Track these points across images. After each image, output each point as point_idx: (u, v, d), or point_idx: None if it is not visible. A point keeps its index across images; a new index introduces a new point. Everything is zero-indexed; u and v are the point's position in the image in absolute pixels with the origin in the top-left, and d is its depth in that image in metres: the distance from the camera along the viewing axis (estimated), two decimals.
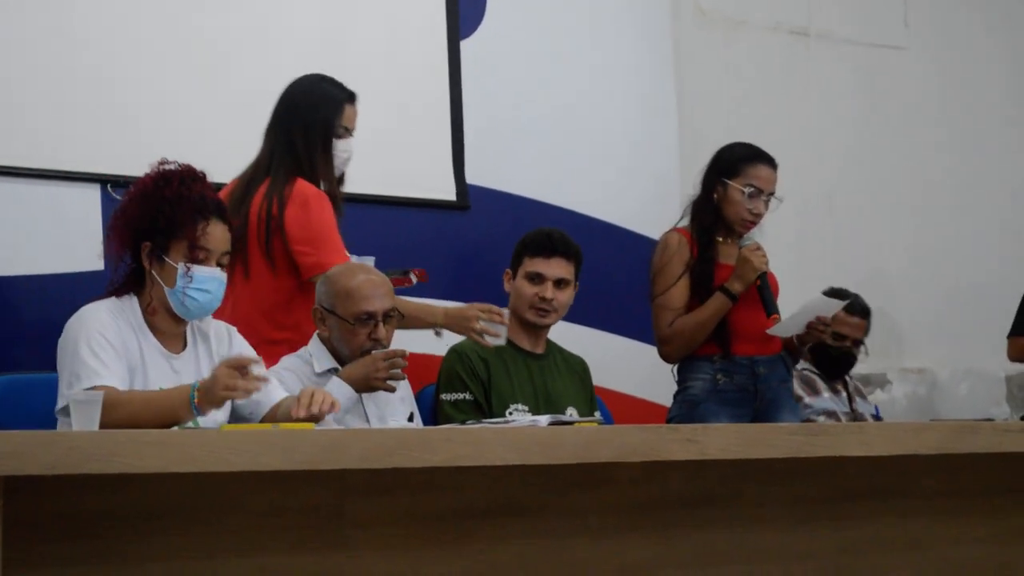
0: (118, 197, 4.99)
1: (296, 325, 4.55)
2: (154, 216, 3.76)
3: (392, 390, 4.34)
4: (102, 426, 3.39)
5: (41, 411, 3.89)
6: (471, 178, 5.84)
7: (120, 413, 3.45)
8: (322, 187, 4.57)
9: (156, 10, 5.23)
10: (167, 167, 3.84)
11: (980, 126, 7.75)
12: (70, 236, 5.00)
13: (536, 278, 4.87)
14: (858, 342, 6.07)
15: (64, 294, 4.84)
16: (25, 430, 2.40)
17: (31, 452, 2.30)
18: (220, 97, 5.33)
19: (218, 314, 3.97)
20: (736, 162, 5.16)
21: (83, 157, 5.04)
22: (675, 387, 5.24)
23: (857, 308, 6.04)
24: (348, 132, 4.64)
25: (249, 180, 4.57)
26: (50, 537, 2.48)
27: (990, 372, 7.51)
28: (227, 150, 5.11)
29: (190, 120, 5.24)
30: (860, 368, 6.58)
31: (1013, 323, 6.31)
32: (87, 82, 5.07)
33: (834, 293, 5.94)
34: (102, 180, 5.06)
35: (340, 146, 4.63)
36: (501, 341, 4.53)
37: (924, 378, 7.40)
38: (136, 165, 4.98)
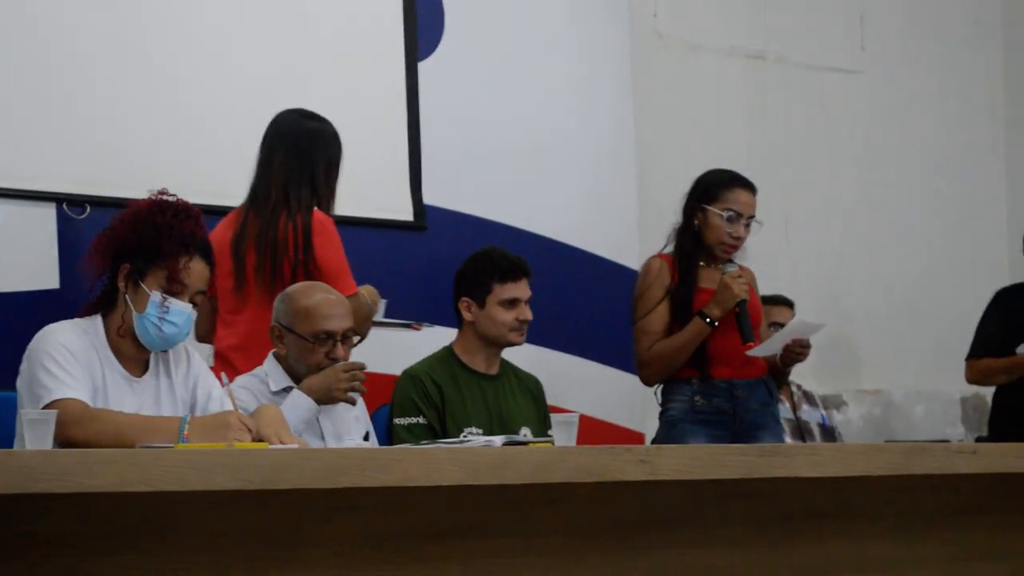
0: (74, 216, 4.99)
1: None
2: (140, 239, 3.77)
3: (353, 402, 4.37)
4: (81, 437, 3.43)
5: None
6: (428, 199, 5.83)
7: (97, 428, 3.50)
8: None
9: (112, 29, 5.21)
10: (166, 197, 3.86)
11: (936, 150, 7.80)
12: (26, 255, 4.98)
13: (513, 303, 4.88)
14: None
15: (19, 313, 4.83)
16: None
17: None
18: (178, 117, 5.31)
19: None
20: (714, 187, 5.21)
21: (40, 176, 5.02)
22: (636, 409, 5.26)
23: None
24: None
25: (274, 208, 4.74)
26: (1, 558, 2.47)
27: (946, 393, 7.54)
28: (185, 167, 5.12)
29: (149, 139, 5.22)
30: (816, 388, 6.61)
31: (971, 346, 6.33)
32: (44, 100, 5.05)
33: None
34: (59, 199, 5.04)
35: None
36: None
37: (880, 399, 7.43)
38: (94, 184, 5.04)
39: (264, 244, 4.68)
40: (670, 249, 5.29)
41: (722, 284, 5.10)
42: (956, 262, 7.74)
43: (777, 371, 5.37)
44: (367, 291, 4.88)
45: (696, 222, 5.22)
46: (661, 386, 5.30)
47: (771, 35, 7.29)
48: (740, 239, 5.20)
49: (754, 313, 5.19)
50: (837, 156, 7.48)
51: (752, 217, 5.21)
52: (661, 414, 5.28)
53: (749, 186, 5.23)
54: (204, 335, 4.86)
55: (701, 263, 5.22)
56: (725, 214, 5.16)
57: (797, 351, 5.24)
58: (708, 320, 5.09)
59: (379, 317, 5.01)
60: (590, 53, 6.45)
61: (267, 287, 4.64)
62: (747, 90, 7.22)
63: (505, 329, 4.88)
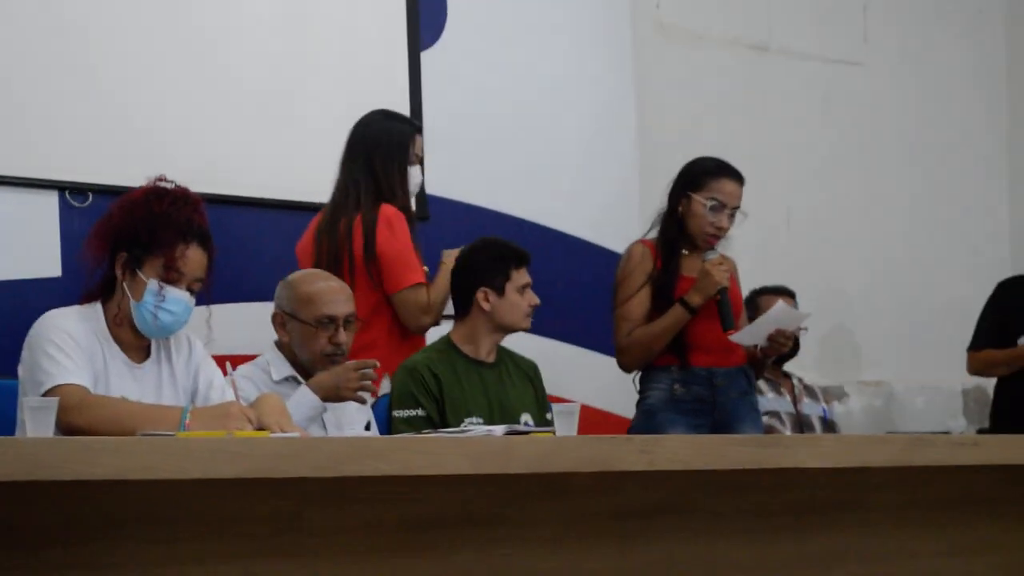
0: (76, 204, 4.99)
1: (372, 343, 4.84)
2: (137, 228, 3.77)
3: (363, 401, 4.37)
4: (82, 424, 3.43)
5: None
6: (431, 188, 5.83)
7: (98, 414, 3.51)
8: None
9: (116, 19, 5.21)
10: (163, 184, 3.85)
11: (938, 142, 7.80)
12: (28, 243, 4.98)
13: (526, 288, 4.86)
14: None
15: (21, 301, 4.83)
16: None
17: None
18: (181, 105, 5.31)
19: None
20: (701, 175, 5.18)
21: (42, 164, 5.02)
22: (632, 397, 5.25)
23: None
24: (418, 159, 5.09)
25: (341, 209, 4.96)
26: (2, 545, 2.47)
27: (947, 385, 7.55)
28: (188, 156, 5.12)
29: (152, 127, 5.22)
30: (818, 380, 6.61)
31: (972, 337, 6.32)
32: (47, 88, 5.05)
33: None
34: (61, 187, 5.04)
35: (413, 172, 5.06)
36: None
37: (881, 391, 7.43)
38: (96, 172, 5.05)
39: (328, 243, 4.90)
40: (654, 235, 5.27)
41: (702, 271, 5.07)
42: (958, 253, 7.75)
43: (756, 362, 5.34)
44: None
45: (680, 209, 5.20)
46: (639, 373, 5.28)
47: (774, 26, 7.29)
48: (723, 229, 5.16)
49: (734, 302, 5.17)
50: (839, 147, 7.48)
51: (736, 208, 5.18)
52: (639, 402, 5.25)
53: (736, 176, 5.19)
54: None
55: (684, 251, 5.19)
56: (709, 203, 5.12)
57: (781, 341, 5.21)
58: (688, 307, 5.07)
59: None
60: (592, 43, 6.45)
61: (354, 280, 4.80)
62: (749, 81, 7.22)
63: (522, 315, 4.86)
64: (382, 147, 5.00)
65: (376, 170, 4.96)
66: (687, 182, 5.19)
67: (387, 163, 4.98)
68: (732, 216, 5.16)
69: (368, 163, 4.97)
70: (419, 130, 5.19)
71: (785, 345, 5.24)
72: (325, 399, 4.29)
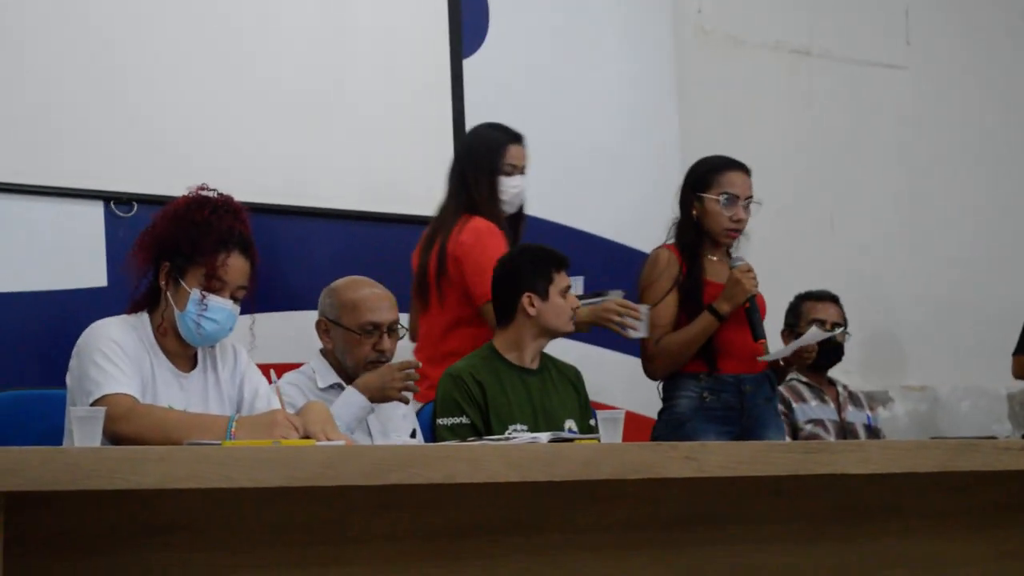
0: (121, 214, 5.02)
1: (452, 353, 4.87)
2: (179, 237, 3.77)
3: (406, 401, 4.40)
4: (129, 433, 3.45)
5: (43, 427, 3.91)
6: None
7: (145, 423, 3.54)
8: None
9: (161, 29, 5.23)
10: (205, 192, 3.86)
11: (980, 144, 7.76)
12: (74, 253, 5.00)
13: (567, 290, 4.85)
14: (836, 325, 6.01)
15: (68, 311, 4.85)
16: (26, 446, 2.40)
17: (32, 468, 2.31)
18: (225, 114, 5.33)
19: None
20: (707, 174, 5.17)
21: (88, 174, 5.04)
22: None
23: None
24: (516, 169, 5.10)
25: (438, 223, 5.02)
26: (51, 554, 2.49)
27: (992, 390, 7.50)
28: (233, 165, 5.14)
29: (197, 137, 5.24)
30: (862, 384, 6.59)
31: (1018, 341, 6.30)
32: (92, 98, 5.07)
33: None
34: (106, 197, 5.06)
35: (508, 183, 5.08)
36: (642, 333, 4.96)
37: (925, 395, 7.39)
38: (141, 182, 5.07)
39: (421, 259, 4.99)
40: (673, 241, 5.24)
41: (732, 279, 5.05)
42: (1003, 257, 7.70)
43: (778, 368, 5.35)
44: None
45: (694, 212, 5.18)
46: (662, 381, 5.25)
47: (816, 30, 7.27)
48: (741, 221, 5.13)
49: (760, 311, 5.17)
50: (882, 151, 7.45)
51: (750, 198, 5.16)
52: (663, 410, 5.21)
53: (742, 167, 5.18)
54: None
55: (710, 256, 5.17)
56: (722, 198, 5.10)
57: (805, 355, 5.24)
58: (717, 315, 5.05)
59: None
60: (634, 49, 6.45)
61: (428, 297, 4.96)
62: (792, 85, 7.20)
63: (566, 317, 4.84)
64: (473, 158, 5.05)
65: (468, 182, 5.01)
66: (694, 184, 5.18)
67: (477, 174, 5.02)
68: (747, 207, 5.15)
69: (462, 175, 5.03)
70: (516, 139, 5.14)
71: (809, 357, 5.26)
72: (371, 399, 4.31)
